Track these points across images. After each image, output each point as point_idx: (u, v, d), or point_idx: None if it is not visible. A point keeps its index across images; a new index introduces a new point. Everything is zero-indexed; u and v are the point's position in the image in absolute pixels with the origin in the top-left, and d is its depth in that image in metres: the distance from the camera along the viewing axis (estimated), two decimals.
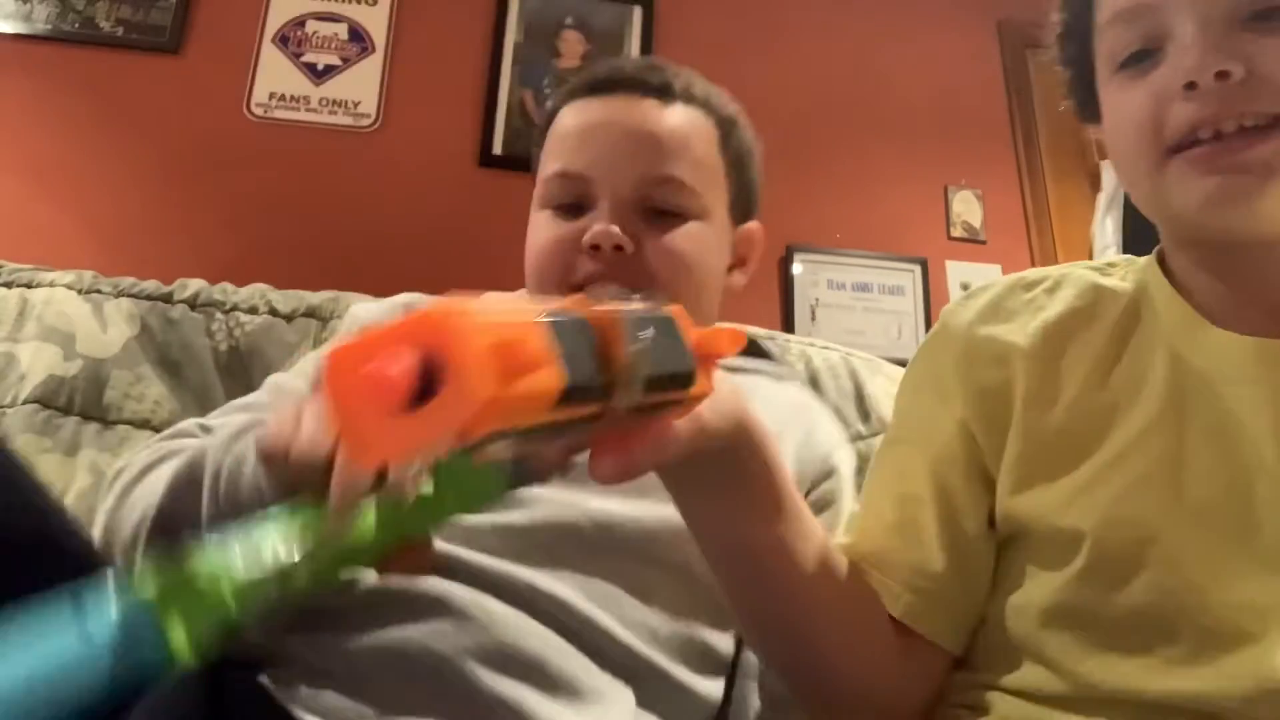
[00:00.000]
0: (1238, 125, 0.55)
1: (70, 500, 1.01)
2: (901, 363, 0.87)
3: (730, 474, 0.52)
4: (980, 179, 2.40)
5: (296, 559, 0.38)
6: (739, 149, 0.88)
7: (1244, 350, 0.58)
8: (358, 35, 2.23)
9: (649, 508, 0.69)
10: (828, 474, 0.80)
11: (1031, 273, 0.70)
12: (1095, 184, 2.17)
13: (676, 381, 0.36)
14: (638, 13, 2.35)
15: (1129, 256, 0.70)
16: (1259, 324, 0.58)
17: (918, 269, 2.26)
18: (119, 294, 1.21)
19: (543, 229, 0.81)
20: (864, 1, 2.51)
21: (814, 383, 1.19)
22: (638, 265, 0.77)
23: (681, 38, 2.34)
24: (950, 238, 2.34)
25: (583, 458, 0.40)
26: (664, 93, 0.83)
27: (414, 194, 2.12)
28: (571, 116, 0.84)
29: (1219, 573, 0.54)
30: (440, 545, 0.63)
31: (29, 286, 1.21)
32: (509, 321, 0.28)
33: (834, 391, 1.17)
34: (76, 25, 2.14)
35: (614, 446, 0.38)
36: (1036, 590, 0.60)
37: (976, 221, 2.37)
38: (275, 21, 2.21)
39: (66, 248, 1.87)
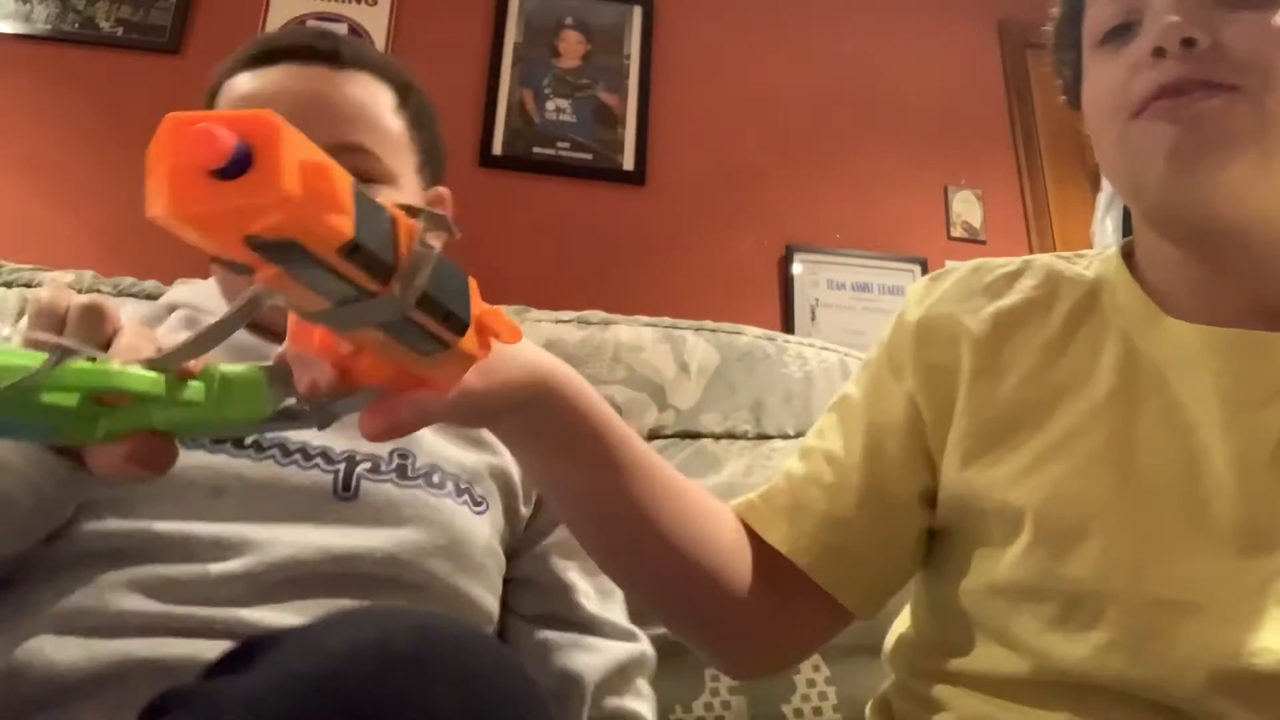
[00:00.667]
0: (1202, 96, 0.56)
1: None
2: None
3: (544, 430, 0.53)
4: (980, 179, 2.40)
5: None
6: (416, 110, 0.83)
7: (1195, 337, 0.59)
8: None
9: (385, 535, 0.68)
10: None
11: (998, 260, 0.71)
12: (1095, 184, 2.17)
13: (450, 322, 0.37)
14: (638, 13, 2.34)
15: (1103, 248, 0.71)
16: (1219, 314, 0.59)
17: (918, 269, 2.26)
18: (119, 294, 1.21)
19: None
20: (864, 1, 2.51)
21: (808, 385, 1.19)
22: None
23: (681, 38, 2.35)
24: (950, 238, 2.34)
25: (347, 413, 0.42)
26: (333, 59, 0.79)
27: None
28: (237, 88, 0.78)
29: (1166, 550, 0.54)
30: (160, 605, 0.60)
31: (29, 286, 1.21)
32: (325, 160, 0.30)
33: (830, 394, 1.18)
34: (76, 25, 2.14)
35: (382, 407, 0.41)
36: (987, 569, 0.60)
37: (976, 221, 2.37)
38: (275, 21, 2.21)
39: (66, 248, 1.88)
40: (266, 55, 0.79)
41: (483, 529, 0.74)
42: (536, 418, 0.52)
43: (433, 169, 0.85)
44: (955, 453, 0.64)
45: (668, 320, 1.28)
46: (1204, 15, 0.57)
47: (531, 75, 2.27)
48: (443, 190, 0.87)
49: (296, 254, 0.30)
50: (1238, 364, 0.57)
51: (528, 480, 0.80)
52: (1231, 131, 0.55)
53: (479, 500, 0.75)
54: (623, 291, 2.08)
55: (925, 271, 2.26)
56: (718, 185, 2.24)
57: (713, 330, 1.25)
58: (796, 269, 2.21)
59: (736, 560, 0.64)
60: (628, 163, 2.24)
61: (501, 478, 0.79)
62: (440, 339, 0.37)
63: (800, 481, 0.67)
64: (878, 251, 2.27)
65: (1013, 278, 0.69)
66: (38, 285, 1.21)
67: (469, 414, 0.48)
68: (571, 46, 2.31)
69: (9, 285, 1.21)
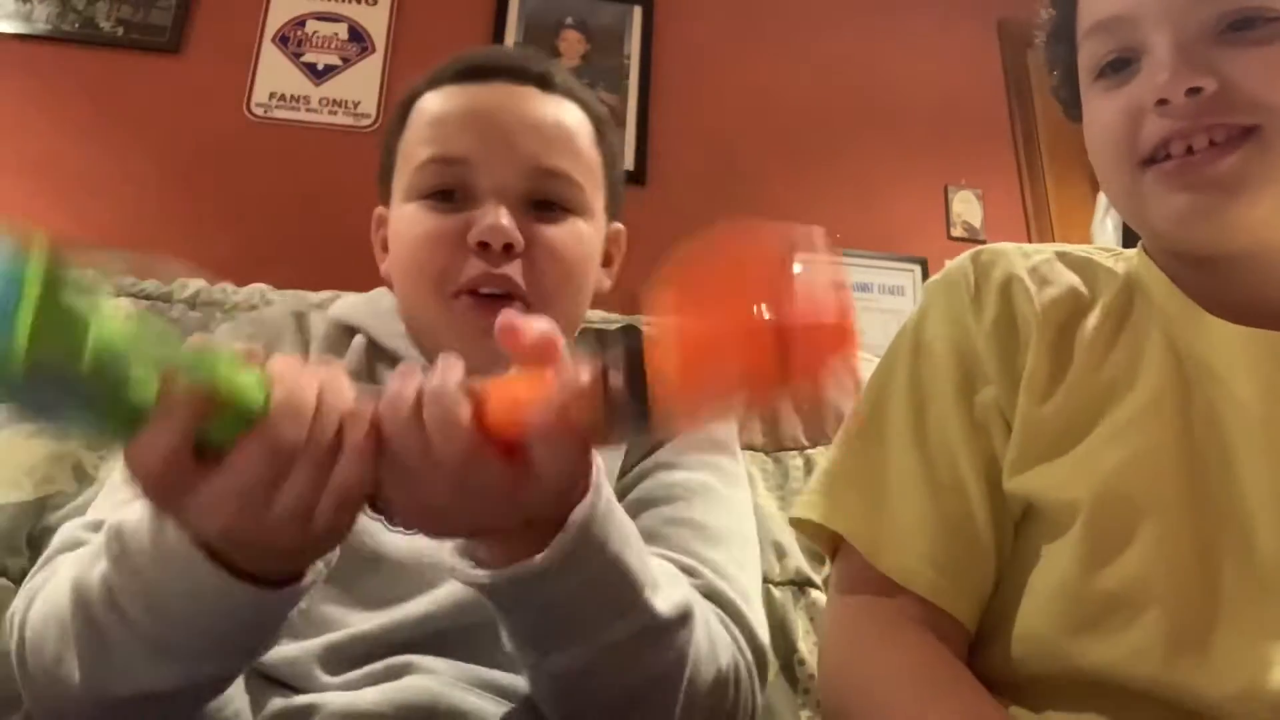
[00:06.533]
0: (1208, 140, 0.56)
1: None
2: None
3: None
4: (980, 179, 2.40)
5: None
6: (611, 147, 0.83)
7: (1239, 339, 0.59)
8: (358, 35, 2.23)
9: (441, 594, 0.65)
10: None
11: (1030, 246, 0.70)
12: (1095, 184, 2.16)
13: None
14: (638, 13, 2.34)
15: (1120, 249, 0.70)
16: (1243, 318, 0.59)
17: (918, 269, 2.26)
18: (119, 293, 1.21)
19: (418, 222, 0.73)
20: (864, 1, 2.51)
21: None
22: (525, 265, 0.72)
23: (681, 38, 2.35)
24: (950, 238, 2.34)
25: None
26: (544, 82, 0.78)
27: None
28: (443, 102, 0.77)
29: (1211, 553, 0.53)
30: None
31: None
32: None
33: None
34: (76, 25, 2.14)
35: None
36: (1045, 567, 0.59)
37: (976, 221, 2.37)
38: (275, 21, 2.21)
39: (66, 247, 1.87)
40: (480, 71, 0.78)
41: None
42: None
43: (614, 206, 0.84)
44: (1013, 455, 0.61)
45: None
46: (1207, 57, 0.56)
47: None
48: (619, 227, 0.86)
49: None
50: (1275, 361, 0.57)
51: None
52: (1247, 181, 0.55)
53: None
54: (623, 291, 2.08)
55: (925, 271, 2.25)
56: (718, 185, 2.24)
57: None
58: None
59: None
60: (628, 163, 2.24)
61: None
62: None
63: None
64: (878, 251, 2.27)
65: (1049, 262, 0.67)
66: None
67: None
68: (571, 46, 2.31)
69: None
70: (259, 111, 2.13)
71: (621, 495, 0.71)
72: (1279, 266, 0.59)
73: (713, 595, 0.64)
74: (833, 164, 2.33)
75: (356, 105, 2.16)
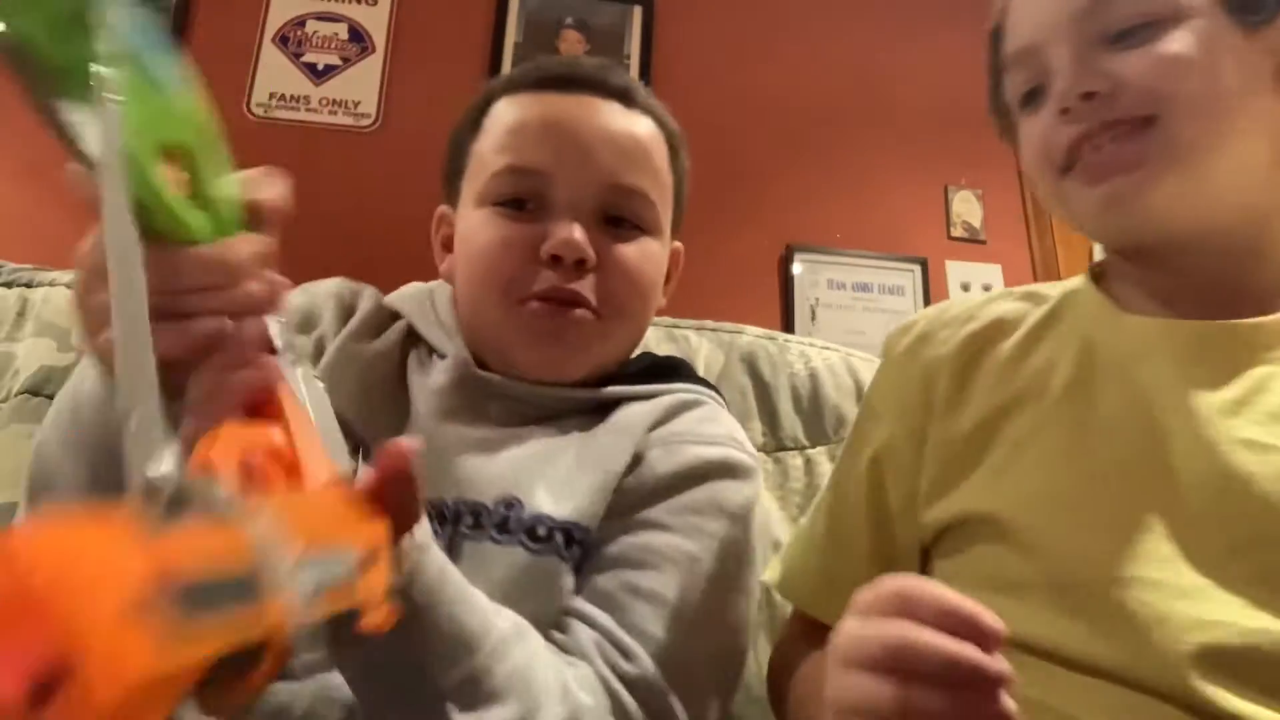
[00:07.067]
0: (1112, 137, 0.62)
1: None
2: None
3: None
4: (980, 179, 2.40)
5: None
6: (682, 167, 0.83)
7: (1153, 329, 0.63)
8: (358, 35, 2.23)
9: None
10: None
11: (986, 295, 0.77)
12: None
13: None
14: (638, 13, 2.34)
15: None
16: (1178, 312, 0.64)
17: (918, 269, 2.26)
18: None
19: (490, 229, 0.73)
20: (865, 2, 2.51)
21: (814, 382, 1.19)
22: (596, 282, 0.72)
23: (681, 38, 2.34)
24: (950, 238, 2.34)
25: None
26: (625, 98, 0.77)
27: (414, 194, 2.12)
28: (522, 109, 0.76)
29: (1137, 532, 0.56)
30: None
31: (29, 286, 1.21)
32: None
33: (834, 390, 1.18)
34: None
35: None
36: (967, 573, 0.63)
37: (976, 221, 2.37)
38: (275, 21, 2.21)
39: (66, 248, 1.87)
40: (561, 80, 0.77)
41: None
42: None
43: (677, 226, 0.84)
44: (928, 487, 0.68)
45: (668, 320, 1.28)
46: (1099, 63, 0.62)
47: None
48: (679, 246, 0.86)
49: None
50: (1197, 350, 0.60)
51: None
52: (1148, 164, 0.60)
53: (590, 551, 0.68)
54: None
55: (925, 271, 2.26)
56: (718, 185, 2.24)
57: (713, 330, 1.25)
58: (796, 269, 2.21)
59: None
60: None
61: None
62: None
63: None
64: (878, 251, 2.27)
65: (985, 304, 0.74)
66: (38, 285, 1.21)
67: None
68: (571, 46, 2.31)
69: (9, 285, 1.20)
70: (259, 111, 2.13)
71: (601, 539, 0.69)
72: (1211, 254, 0.63)
73: (637, 685, 0.62)
74: (833, 164, 2.33)
75: (356, 105, 2.16)
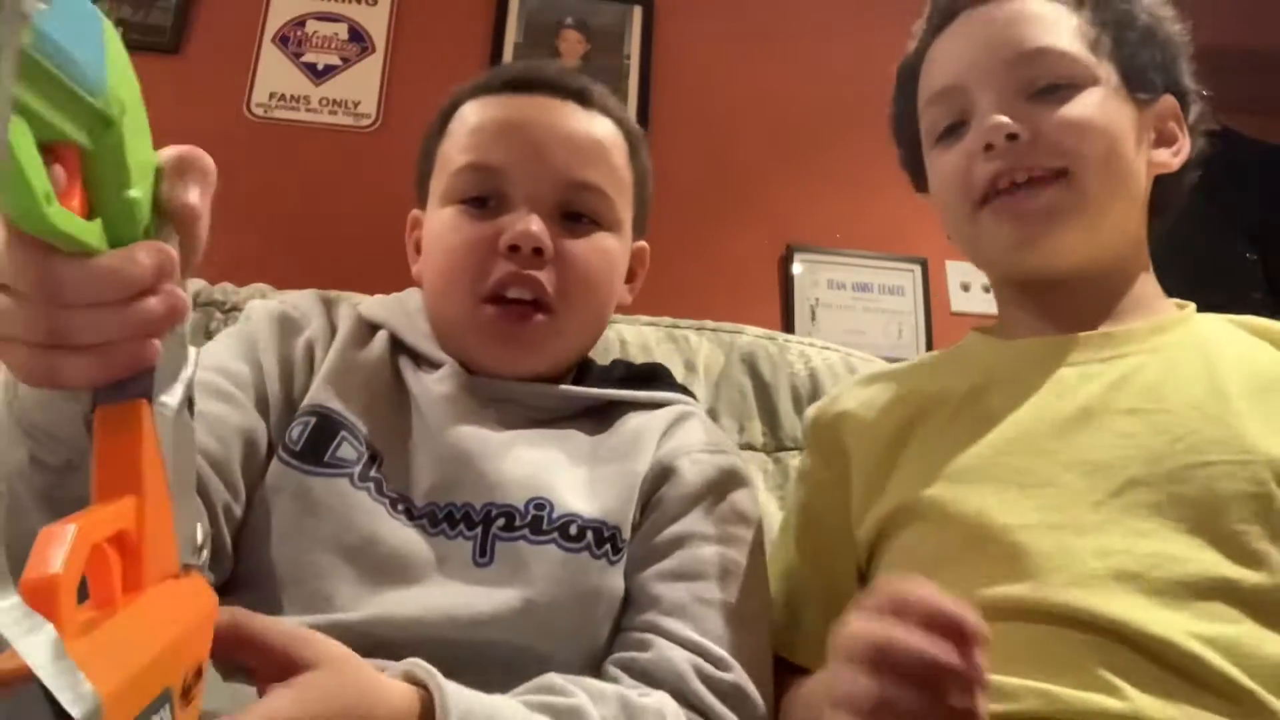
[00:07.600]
0: (1027, 176, 0.72)
1: None
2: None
3: None
4: None
5: None
6: (642, 165, 0.85)
7: (1038, 344, 0.75)
8: (358, 35, 2.23)
9: (513, 594, 0.66)
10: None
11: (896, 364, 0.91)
12: None
13: None
14: (638, 13, 2.34)
15: None
16: (1061, 327, 0.75)
17: (918, 269, 2.26)
18: None
19: (453, 227, 0.77)
20: (865, 2, 2.51)
21: (814, 382, 1.19)
22: (551, 273, 0.74)
23: (681, 38, 2.34)
24: (950, 237, 2.34)
25: None
26: (582, 98, 0.80)
27: (414, 194, 2.12)
28: (483, 110, 0.80)
29: (1038, 486, 0.66)
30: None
31: None
32: None
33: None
34: None
35: None
36: (899, 560, 0.72)
37: None
38: (275, 21, 2.21)
39: None
40: (521, 83, 0.80)
41: (617, 582, 0.70)
42: None
43: (640, 224, 0.87)
44: (857, 506, 0.76)
45: (668, 320, 1.28)
46: (1022, 112, 0.72)
47: None
48: (643, 245, 0.89)
49: None
50: (1081, 349, 0.73)
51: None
52: (1060, 213, 0.71)
53: (619, 548, 0.71)
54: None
55: (925, 271, 2.25)
56: (718, 185, 2.24)
57: (714, 330, 1.25)
58: (796, 269, 2.21)
59: None
60: None
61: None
62: None
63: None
64: (878, 251, 2.27)
65: (905, 367, 0.87)
66: None
67: None
68: (571, 46, 2.31)
69: None
70: (259, 111, 2.13)
71: (643, 548, 0.73)
72: (1090, 284, 0.75)
73: (731, 695, 0.65)
74: (833, 163, 2.33)
75: (356, 105, 2.16)
